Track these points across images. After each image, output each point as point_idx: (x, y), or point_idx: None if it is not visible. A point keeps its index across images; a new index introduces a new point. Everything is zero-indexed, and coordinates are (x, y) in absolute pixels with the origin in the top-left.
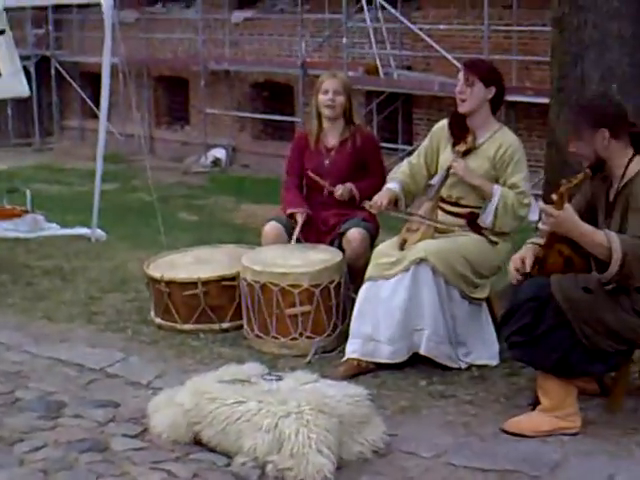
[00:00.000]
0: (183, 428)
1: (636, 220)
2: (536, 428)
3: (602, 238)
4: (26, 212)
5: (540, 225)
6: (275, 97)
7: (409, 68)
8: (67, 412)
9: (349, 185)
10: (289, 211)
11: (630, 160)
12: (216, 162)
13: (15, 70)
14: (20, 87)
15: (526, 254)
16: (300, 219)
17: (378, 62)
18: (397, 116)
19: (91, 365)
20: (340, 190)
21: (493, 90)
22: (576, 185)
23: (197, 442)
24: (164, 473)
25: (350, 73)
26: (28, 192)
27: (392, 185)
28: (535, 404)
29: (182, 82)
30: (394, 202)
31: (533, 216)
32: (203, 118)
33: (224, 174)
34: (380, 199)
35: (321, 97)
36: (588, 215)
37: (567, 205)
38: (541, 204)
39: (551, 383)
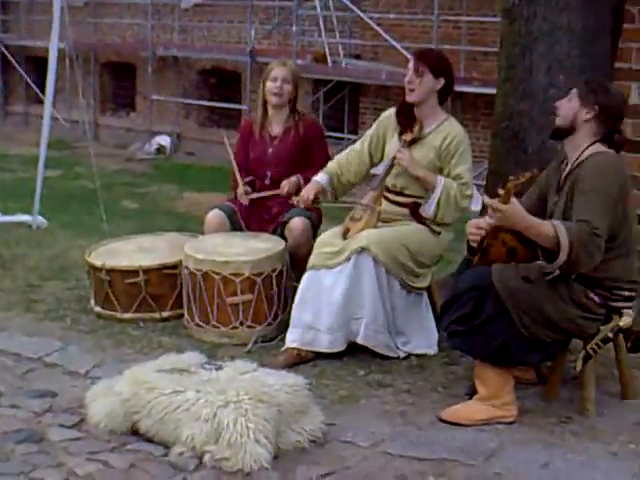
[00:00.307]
0: (121, 418)
1: (581, 202)
2: (472, 417)
3: (549, 229)
4: None
5: (486, 219)
6: (222, 84)
7: (357, 57)
8: (3, 402)
9: (295, 178)
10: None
11: (589, 146)
12: (160, 149)
13: None
14: None
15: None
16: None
17: (327, 50)
18: (343, 105)
19: (29, 354)
20: (286, 187)
21: (442, 81)
22: (522, 183)
23: (134, 432)
24: (100, 464)
25: (299, 61)
26: None
27: (319, 177)
28: (472, 393)
29: (129, 68)
30: (322, 194)
31: (475, 206)
32: (149, 105)
33: (168, 162)
34: (307, 193)
35: (269, 84)
36: (541, 205)
37: (514, 199)
38: (487, 199)
39: (489, 372)
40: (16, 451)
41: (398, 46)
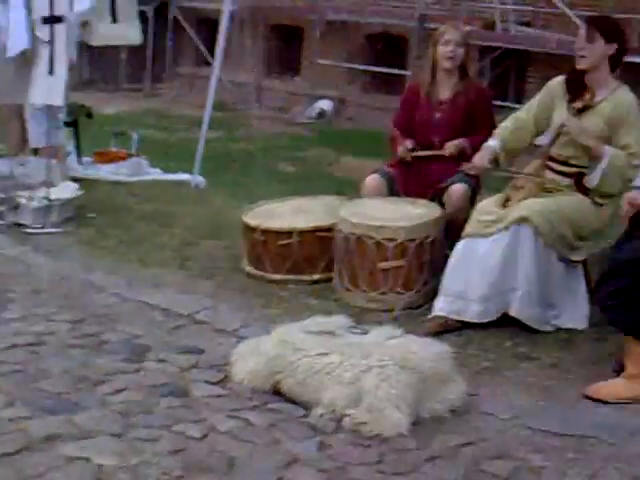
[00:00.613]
0: (264, 377)
1: None
2: (618, 395)
3: None
4: (131, 156)
5: None
6: (388, 49)
7: (527, 24)
8: (151, 356)
9: (459, 141)
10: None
11: None
12: (322, 114)
13: (132, 16)
14: (133, 34)
15: None
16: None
17: (497, 17)
18: (509, 73)
19: (179, 310)
20: (449, 149)
21: (614, 47)
22: None
23: (276, 392)
24: (241, 421)
25: (467, 27)
26: (135, 136)
27: (492, 143)
28: (620, 371)
29: (297, 31)
30: (494, 161)
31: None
32: (313, 69)
33: (329, 126)
34: (480, 160)
35: (441, 48)
36: None
37: None
38: None
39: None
40: (160, 404)
41: (570, 13)
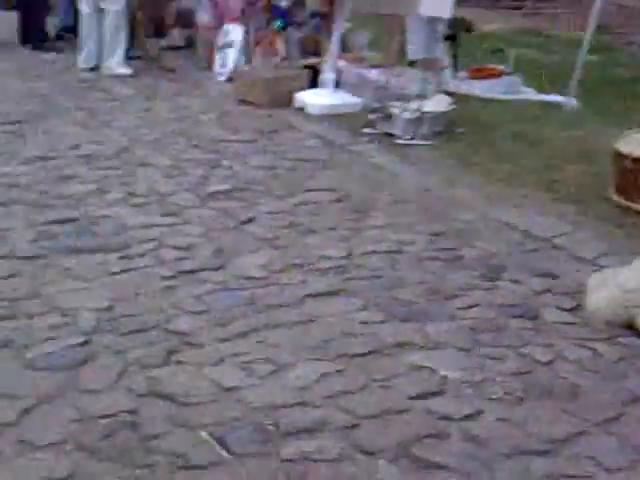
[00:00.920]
0: (620, 309)
1: None
2: None
3: None
4: (506, 74)
5: None
6: None
7: None
8: (505, 276)
9: None
10: None
11: None
12: None
13: None
14: None
15: None
16: None
17: None
18: None
19: (538, 233)
20: None
21: None
22: None
23: (630, 326)
24: (589, 351)
25: None
26: (512, 54)
27: None
28: None
29: None
30: None
31: None
32: None
33: None
34: None
35: None
36: None
37: None
38: None
39: None
40: (510, 325)
41: None
